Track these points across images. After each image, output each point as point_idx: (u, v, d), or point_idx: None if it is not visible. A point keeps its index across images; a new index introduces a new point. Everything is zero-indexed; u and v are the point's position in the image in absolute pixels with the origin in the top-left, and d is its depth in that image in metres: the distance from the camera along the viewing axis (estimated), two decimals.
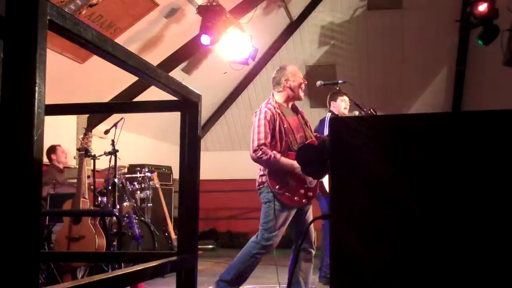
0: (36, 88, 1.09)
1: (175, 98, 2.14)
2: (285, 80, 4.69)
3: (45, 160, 7.03)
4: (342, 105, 6.28)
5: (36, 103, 1.08)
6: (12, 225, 1.06)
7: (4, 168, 1.07)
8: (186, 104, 2.15)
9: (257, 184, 4.58)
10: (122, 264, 4.80)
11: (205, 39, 7.19)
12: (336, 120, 1.91)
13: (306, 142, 4.49)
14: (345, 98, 6.24)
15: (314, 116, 8.87)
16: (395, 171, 1.77)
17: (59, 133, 7.47)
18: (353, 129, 1.82)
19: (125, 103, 5.47)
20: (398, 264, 1.72)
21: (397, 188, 1.74)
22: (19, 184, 1.07)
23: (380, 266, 1.73)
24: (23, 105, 1.09)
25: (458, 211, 1.69)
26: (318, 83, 5.59)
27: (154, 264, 1.81)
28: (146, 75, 1.77)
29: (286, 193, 4.39)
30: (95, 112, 7.48)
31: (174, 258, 2.02)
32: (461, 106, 11.42)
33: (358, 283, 1.75)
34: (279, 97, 4.71)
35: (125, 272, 1.64)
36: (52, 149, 7.14)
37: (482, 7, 7.98)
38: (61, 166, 7.26)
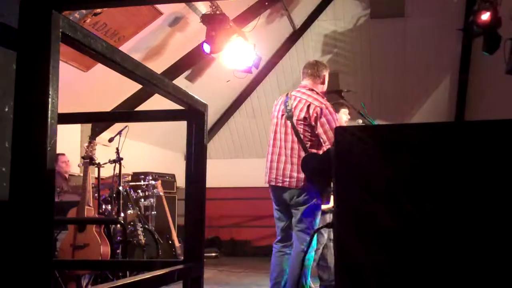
0: (50, 99, 1.11)
1: (180, 107, 2.16)
2: (324, 76, 4.88)
3: None
4: (343, 118, 6.22)
5: (49, 114, 1.10)
6: (26, 234, 1.08)
7: (17, 177, 1.09)
8: (192, 113, 2.17)
9: (302, 183, 4.53)
10: (127, 272, 4.82)
11: (206, 48, 7.22)
12: (340, 130, 1.93)
13: (310, 152, 4.51)
14: (347, 110, 6.22)
15: None
16: (398, 180, 1.78)
17: (64, 141, 7.49)
18: (357, 138, 1.84)
19: (132, 112, 5.52)
20: (402, 272, 1.74)
21: (401, 197, 1.76)
22: (33, 194, 1.09)
23: (384, 273, 1.75)
24: (36, 116, 1.11)
25: (461, 220, 1.70)
26: None
27: (161, 273, 1.82)
28: (154, 85, 1.80)
29: None
30: (102, 121, 7.51)
31: (180, 266, 2.04)
32: (464, 114, 11.43)
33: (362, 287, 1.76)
34: (320, 90, 4.84)
35: (133, 280, 1.65)
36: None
37: (485, 16, 7.99)
38: (66, 174, 7.30)
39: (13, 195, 1.09)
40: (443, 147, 1.77)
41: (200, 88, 9.57)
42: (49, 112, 1.11)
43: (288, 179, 4.56)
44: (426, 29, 10.58)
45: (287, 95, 4.82)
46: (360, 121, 5.81)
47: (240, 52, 7.89)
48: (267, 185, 4.81)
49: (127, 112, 5.95)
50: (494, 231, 1.68)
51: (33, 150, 1.10)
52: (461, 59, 10.88)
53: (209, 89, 10.00)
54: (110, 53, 1.48)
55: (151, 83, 1.77)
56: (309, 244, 4.43)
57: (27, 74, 1.14)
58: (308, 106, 4.59)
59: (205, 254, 2.18)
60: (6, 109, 1.14)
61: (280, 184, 4.60)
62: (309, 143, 4.57)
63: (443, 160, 1.75)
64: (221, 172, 11.51)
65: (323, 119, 4.54)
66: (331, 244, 6.00)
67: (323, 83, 4.86)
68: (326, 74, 4.87)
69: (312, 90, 4.75)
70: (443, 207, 1.72)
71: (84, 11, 6.45)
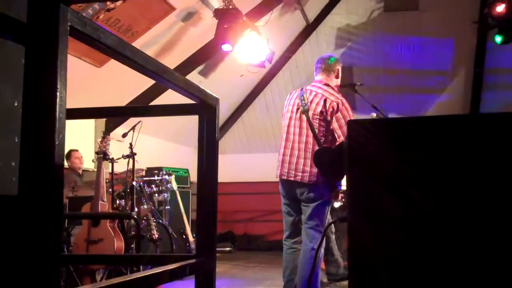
0: (58, 93, 1.10)
1: (193, 102, 2.15)
2: (338, 70, 4.86)
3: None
4: None
5: (57, 108, 1.10)
6: (35, 229, 1.08)
7: (26, 172, 1.09)
8: (204, 107, 2.16)
9: (314, 178, 4.53)
10: (141, 266, 4.83)
11: (226, 47, 7.22)
12: (353, 123, 1.92)
13: (323, 146, 4.50)
14: None
15: None
16: (412, 173, 1.76)
17: (78, 137, 7.53)
18: (370, 131, 1.83)
19: (144, 107, 5.52)
20: (416, 265, 1.72)
21: (413, 190, 1.74)
22: (41, 188, 1.09)
23: (397, 266, 1.74)
24: (45, 111, 1.10)
25: (477, 213, 1.68)
26: None
27: (173, 267, 1.82)
28: (165, 79, 1.79)
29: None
30: (115, 116, 7.53)
31: (193, 260, 2.03)
32: (480, 107, 11.35)
33: (375, 281, 1.75)
34: (334, 84, 4.84)
35: (145, 274, 1.64)
36: (68, 154, 7.20)
37: (500, 8, 7.92)
38: (79, 170, 7.34)
39: (22, 190, 1.09)
40: (457, 140, 1.75)
41: (214, 83, 9.58)
42: (57, 106, 1.10)
43: (300, 174, 4.53)
44: (441, 22, 10.49)
45: (302, 89, 4.81)
46: (374, 114, 5.78)
47: (253, 46, 7.90)
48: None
49: (139, 107, 5.96)
50: (508, 225, 1.66)
51: (41, 144, 1.10)
52: (476, 52, 10.79)
53: (223, 84, 10.00)
54: (120, 47, 1.47)
55: (162, 77, 1.76)
56: (321, 242, 4.43)
57: (36, 69, 1.14)
58: (325, 101, 4.58)
59: (219, 249, 2.18)
60: (16, 104, 1.14)
61: (292, 178, 4.57)
62: (323, 138, 4.55)
63: (457, 154, 1.74)
64: (235, 167, 11.53)
65: (339, 114, 4.53)
66: (334, 237, 6.10)
67: (337, 77, 4.84)
68: (339, 68, 4.85)
69: (328, 85, 4.74)
70: (457, 200, 1.70)
71: (97, 7, 6.46)
